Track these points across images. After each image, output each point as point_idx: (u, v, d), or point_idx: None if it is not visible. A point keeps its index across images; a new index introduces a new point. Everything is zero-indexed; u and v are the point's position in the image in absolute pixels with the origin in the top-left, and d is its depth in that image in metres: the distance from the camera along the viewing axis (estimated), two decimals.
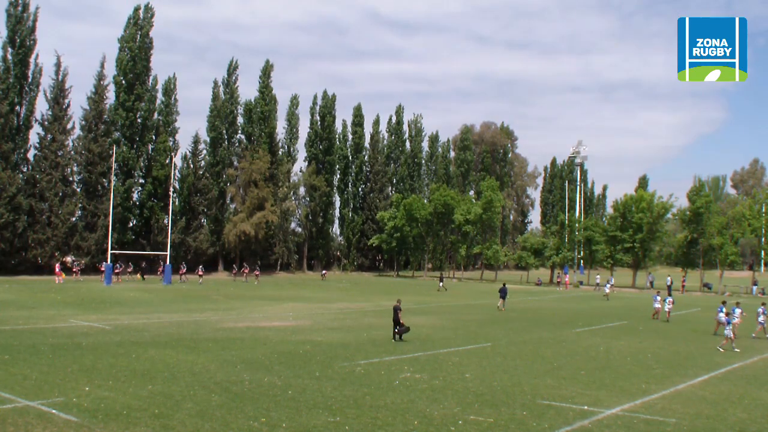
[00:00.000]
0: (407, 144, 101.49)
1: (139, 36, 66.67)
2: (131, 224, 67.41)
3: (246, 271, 62.94)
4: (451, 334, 24.89)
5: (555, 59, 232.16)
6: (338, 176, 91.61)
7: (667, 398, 14.68)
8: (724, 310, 26.46)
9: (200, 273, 58.27)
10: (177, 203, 69.31)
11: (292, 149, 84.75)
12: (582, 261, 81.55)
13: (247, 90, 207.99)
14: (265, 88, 78.39)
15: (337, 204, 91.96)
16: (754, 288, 61.26)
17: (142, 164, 67.76)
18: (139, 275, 56.72)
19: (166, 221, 64.60)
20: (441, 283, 57.63)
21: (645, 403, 14.03)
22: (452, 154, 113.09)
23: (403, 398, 13.63)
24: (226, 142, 75.93)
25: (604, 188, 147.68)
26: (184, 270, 58.59)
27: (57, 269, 52.73)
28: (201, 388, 13.94)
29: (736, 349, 22.66)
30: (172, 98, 70.68)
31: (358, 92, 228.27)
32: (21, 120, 59.87)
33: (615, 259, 69.85)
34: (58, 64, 61.61)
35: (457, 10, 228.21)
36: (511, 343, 23.07)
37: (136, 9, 67.26)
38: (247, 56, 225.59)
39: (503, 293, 37.61)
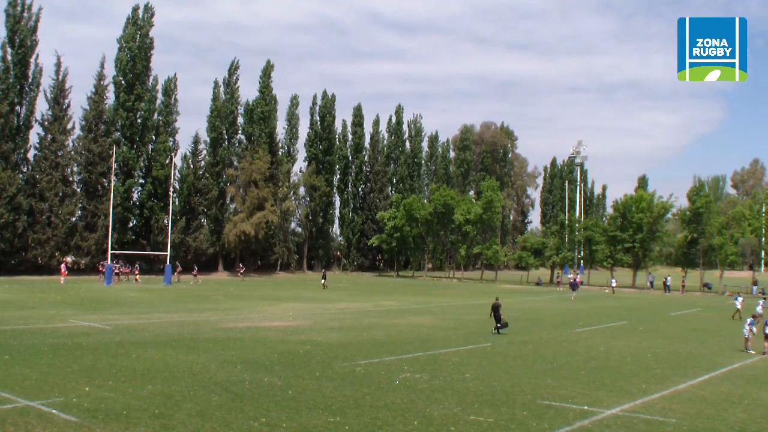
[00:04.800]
0: (407, 144, 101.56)
1: (138, 36, 66.67)
2: (131, 224, 67.43)
3: (178, 270, 60.44)
4: (451, 334, 24.88)
5: (555, 60, 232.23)
6: (338, 176, 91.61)
7: (667, 398, 14.68)
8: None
9: (195, 273, 59.20)
10: (177, 203, 69.30)
11: (292, 149, 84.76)
12: (582, 261, 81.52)
13: (248, 90, 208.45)
14: (265, 89, 78.33)
15: (337, 204, 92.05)
16: (754, 288, 61.23)
17: (142, 164, 67.77)
18: (136, 277, 56.48)
19: (166, 221, 64.60)
20: (323, 280, 54.26)
21: (645, 403, 14.02)
22: (452, 154, 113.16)
23: (403, 398, 13.63)
24: (226, 142, 75.92)
25: (604, 188, 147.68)
26: (195, 271, 59.57)
27: (62, 269, 52.89)
28: (201, 388, 13.94)
29: (751, 351, 22.55)
30: (172, 98, 70.68)
31: (358, 92, 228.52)
32: (21, 120, 59.92)
33: (615, 259, 69.80)
34: (58, 64, 61.75)
35: (457, 11, 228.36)
36: (511, 343, 23.07)
37: (135, 9, 67.32)
38: (248, 57, 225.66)
39: (574, 287, 50.09)
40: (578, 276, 59.98)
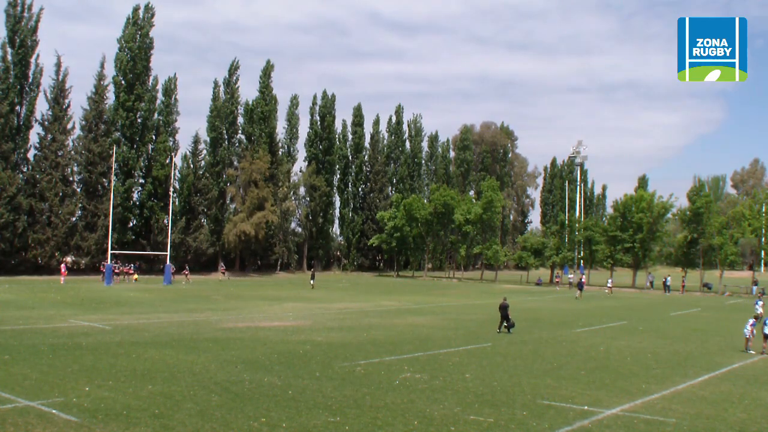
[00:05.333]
0: (407, 144, 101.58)
1: (138, 36, 66.64)
2: (131, 224, 67.39)
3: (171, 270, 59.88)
4: (451, 334, 24.88)
5: (555, 60, 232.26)
6: (338, 176, 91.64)
7: (667, 398, 14.68)
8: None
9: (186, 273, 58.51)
10: (177, 203, 69.30)
11: (292, 149, 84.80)
12: (582, 261, 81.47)
13: (248, 90, 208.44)
14: (265, 89, 78.35)
15: (337, 204, 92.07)
16: (754, 288, 61.19)
17: (142, 164, 67.75)
18: (135, 276, 56.45)
19: (166, 221, 64.58)
20: (312, 281, 54.00)
21: (645, 403, 14.03)
22: (452, 154, 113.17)
23: (403, 398, 13.63)
24: (226, 142, 75.92)
25: (604, 188, 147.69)
26: (187, 270, 58.82)
27: (62, 269, 52.91)
28: (201, 388, 13.94)
29: (751, 351, 22.54)
30: (172, 98, 70.71)
31: (358, 92, 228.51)
32: (21, 120, 59.91)
33: (615, 259, 69.79)
34: (58, 65, 61.75)
35: (457, 11, 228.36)
36: (511, 343, 23.07)
37: (136, 9, 67.28)
38: (248, 57, 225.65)
39: (581, 287, 51.84)
40: (584, 276, 60.17)
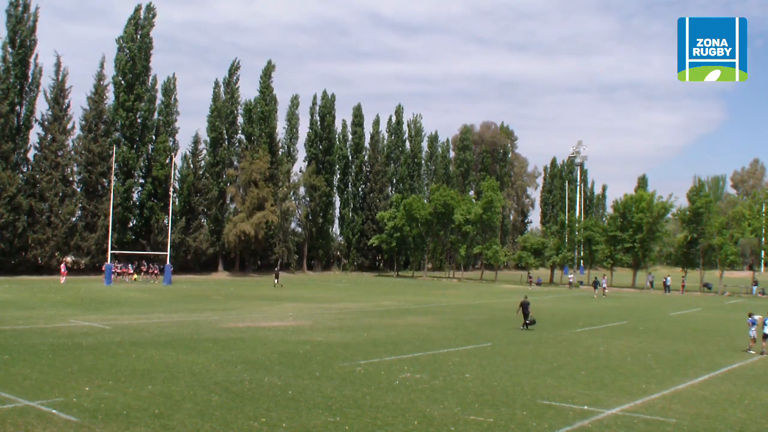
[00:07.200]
0: (407, 144, 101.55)
1: (138, 36, 66.68)
2: (131, 224, 67.42)
3: (145, 268, 59.24)
4: (451, 334, 24.87)
5: (555, 60, 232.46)
6: (338, 176, 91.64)
7: (667, 398, 14.67)
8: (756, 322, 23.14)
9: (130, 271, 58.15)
10: (177, 203, 69.29)
11: (292, 149, 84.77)
12: (582, 261, 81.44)
13: (248, 90, 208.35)
14: (265, 89, 78.37)
15: (337, 204, 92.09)
16: (754, 288, 61.23)
17: (142, 164, 67.76)
18: (134, 275, 56.62)
19: (166, 221, 64.59)
20: (276, 280, 54.16)
21: (645, 403, 14.02)
22: (452, 154, 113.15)
23: (403, 398, 13.63)
24: (226, 142, 75.93)
25: (604, 188, 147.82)
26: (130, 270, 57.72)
27: (62, 269, 52.88)
28: (201, 388, 13.94)
29: (751, 351, 22.52)
30: (172, 98, 70.70)
31: (358, 92, 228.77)
32: (21, 120, 59.92)
33: (615, 259, 69.80)
34: (58, 65, 61.80)
35: (458, 12, 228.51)
36: (511, 343, 23.06)
37: (137, 9, 67.35)
38: (248, 57, 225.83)
39: (596, 285, 54.04)
40: (605, 276, 59.96)
